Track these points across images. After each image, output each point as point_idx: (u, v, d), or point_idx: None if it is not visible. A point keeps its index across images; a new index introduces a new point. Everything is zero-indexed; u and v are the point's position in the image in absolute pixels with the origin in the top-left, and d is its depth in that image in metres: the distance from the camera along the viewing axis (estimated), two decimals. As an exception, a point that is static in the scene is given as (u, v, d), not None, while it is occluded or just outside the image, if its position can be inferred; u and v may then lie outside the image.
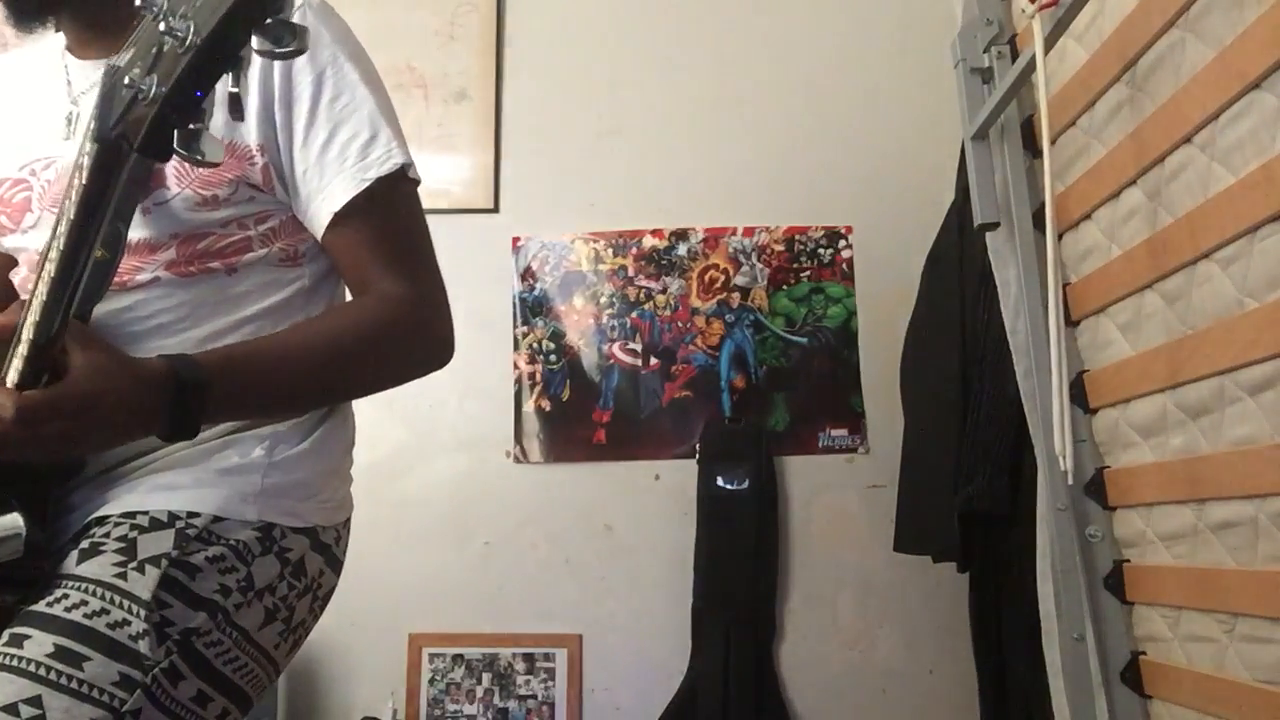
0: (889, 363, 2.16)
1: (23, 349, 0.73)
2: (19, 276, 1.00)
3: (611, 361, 2.28)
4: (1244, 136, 1.09)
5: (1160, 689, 1.37)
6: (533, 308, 2.31)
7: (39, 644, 0.76)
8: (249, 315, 0.92)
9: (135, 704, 0.76)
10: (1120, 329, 1.41)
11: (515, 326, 2.31)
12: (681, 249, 2.32)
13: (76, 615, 0.78)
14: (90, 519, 0.86)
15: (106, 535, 0.83)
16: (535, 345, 2.30)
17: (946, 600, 2.08)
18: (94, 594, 0.79)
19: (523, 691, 2.15)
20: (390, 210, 0.94)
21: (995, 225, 1.60)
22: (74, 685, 0.74)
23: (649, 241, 2.33)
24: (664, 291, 2.31)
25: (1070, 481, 1.40)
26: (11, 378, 0.74)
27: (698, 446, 2.22)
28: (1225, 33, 1.11)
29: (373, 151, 0.92)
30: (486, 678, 2.16)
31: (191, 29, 0.58)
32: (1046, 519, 1.48)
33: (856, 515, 2.20)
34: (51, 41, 1.00)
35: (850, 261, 2.31)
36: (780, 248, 2.31)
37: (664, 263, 2.32)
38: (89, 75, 0.94)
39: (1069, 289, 1.53)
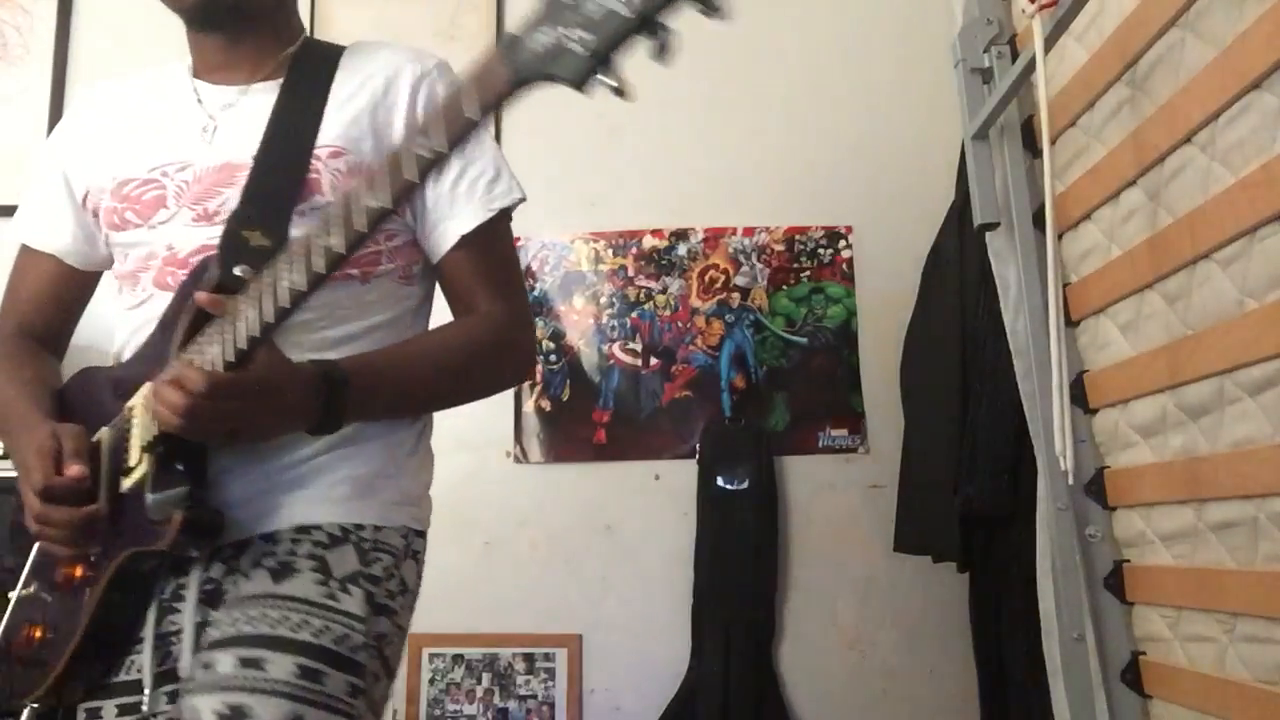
0: (889, 363, 2.16)
1: (238, 342, 0.80)
2: (136, 267, 1.04)
3: (611, 361, 2.28)
4: (1244, 136, 1.09)
5: (1160, 689, 1.37)
6: (532, 308, 2.31)
7: (280, 665, 0.84)
8: (376, 323, 1.03)
9: (361, 710, 0.87)
10: (1120, 329, 1.41)
11: (515, 326, 2.30)
12: (681, 249, 2.32)
13: (304, 635, 0.87)
14: (257, 534, 0.94)
15: (292, 554, 0.93)
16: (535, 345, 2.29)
17: (946, 600, 2.08)
18: (312, 613, 0.88)
19: (523, 691, 2.15)
20: (500, 241, 1.09)
21: (995, 225, 1.60)
22: (324, 700, 0.84)
23: (649, 241, 2.33)
24: (664, 291, 2.31)
25: (1070, 481, 1.40)
26: (214, 359, 0.82)
27: (698, 446, 2.21)
28: (1225, 33, 1.11)
29: (497, 187, 1.06)
30: (486, 678, 2.16)
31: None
32: (1046, 519, 1.48)
33: (856, 515, 2.20)
34: (165, 69, 1.11)
35: (850, 261, 2.30)
36: (780, 248, 2.31)
37: (664, 263, 2.32)
38: (222, 96, 1.06)
39: (1069, 289, 1.53)
